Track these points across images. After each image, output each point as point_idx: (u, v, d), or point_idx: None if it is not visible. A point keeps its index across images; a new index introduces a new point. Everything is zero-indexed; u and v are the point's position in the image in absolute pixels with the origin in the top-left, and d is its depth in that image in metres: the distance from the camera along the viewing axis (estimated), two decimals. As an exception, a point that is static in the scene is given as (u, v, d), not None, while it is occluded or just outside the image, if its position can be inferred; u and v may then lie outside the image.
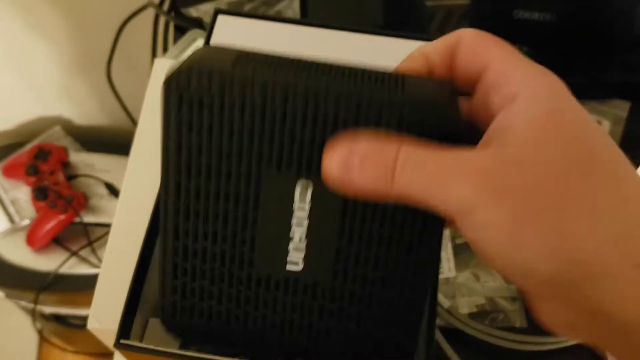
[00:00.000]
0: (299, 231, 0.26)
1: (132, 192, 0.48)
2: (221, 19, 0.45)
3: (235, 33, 0.45)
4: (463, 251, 0.55)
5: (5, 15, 0.91)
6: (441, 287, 0.54)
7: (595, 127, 0.22)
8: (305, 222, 0.25)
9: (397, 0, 0.61)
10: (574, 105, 0.22)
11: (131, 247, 0.40)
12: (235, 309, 0.28)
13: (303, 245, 0.26)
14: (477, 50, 0.24)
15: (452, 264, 0.54)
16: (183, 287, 0.28)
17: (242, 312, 0.28)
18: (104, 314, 0.42)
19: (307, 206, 0.25)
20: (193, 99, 0.24)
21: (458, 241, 0.56)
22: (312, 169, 0.24)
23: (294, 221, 0.25)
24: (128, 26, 0.82)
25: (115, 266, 0.44)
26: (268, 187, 0.25)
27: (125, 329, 0.34)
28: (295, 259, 0.26)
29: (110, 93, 0.91)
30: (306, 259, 0.26)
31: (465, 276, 0.54)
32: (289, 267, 0.26)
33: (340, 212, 0.25)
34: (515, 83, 0.23)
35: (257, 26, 0.46)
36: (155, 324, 0.38)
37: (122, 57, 0.88)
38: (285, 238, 0.26)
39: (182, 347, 0.35)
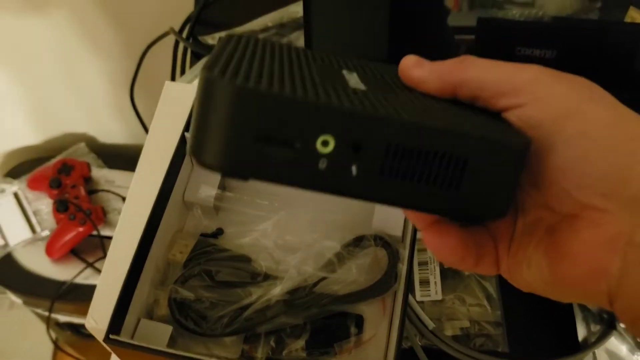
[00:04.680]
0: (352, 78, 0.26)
1: (136, 197, 0.51)
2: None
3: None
4: (450, 275, 0.57)
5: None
6: (427, 309, 0.56)
7: None
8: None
9: (406, 35, 0.63)
10: None
11: (129, 254, 0.43)
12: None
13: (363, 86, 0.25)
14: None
15: (439, 287, 0.56)
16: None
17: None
18: (100, 314, 0.45)
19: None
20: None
21: (446, 266, 0.58)
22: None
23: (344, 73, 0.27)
24: (151, 51, 0.87)
25: (113, 272, 0.48)
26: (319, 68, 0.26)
27: (115, 325, 0.37)
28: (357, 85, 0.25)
29: (133, 114, 0.96)
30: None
31: (451, 299, 0.56)
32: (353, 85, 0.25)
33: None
34: None
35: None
36: (145, 325, 0.41)
37: (144, 80, 0.92)
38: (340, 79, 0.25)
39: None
